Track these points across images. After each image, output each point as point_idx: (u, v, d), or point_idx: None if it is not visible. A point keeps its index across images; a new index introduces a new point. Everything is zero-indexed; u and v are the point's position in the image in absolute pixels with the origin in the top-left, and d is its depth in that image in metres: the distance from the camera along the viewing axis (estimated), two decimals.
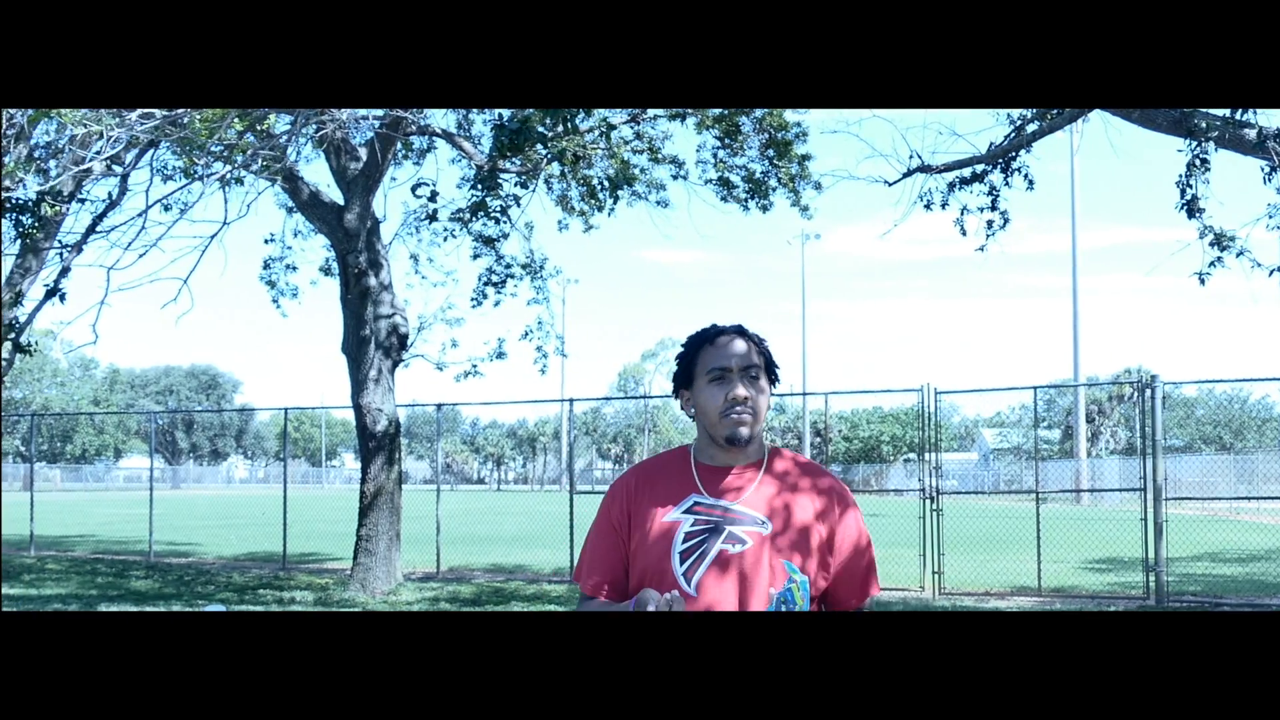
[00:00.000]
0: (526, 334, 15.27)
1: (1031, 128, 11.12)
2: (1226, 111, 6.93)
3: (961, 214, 11.61)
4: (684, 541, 2.49)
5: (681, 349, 2.66)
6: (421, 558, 16.96)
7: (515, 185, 13.11)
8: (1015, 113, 11.42)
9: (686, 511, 2.52)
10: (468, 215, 11.37)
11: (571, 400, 16.56)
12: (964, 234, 11.77)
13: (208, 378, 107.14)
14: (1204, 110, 7.11)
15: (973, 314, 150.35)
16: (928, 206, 11.61)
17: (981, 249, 11.81)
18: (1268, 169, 6.99)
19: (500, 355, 15.17)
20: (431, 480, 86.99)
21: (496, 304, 15.49)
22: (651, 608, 2.26)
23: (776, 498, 2.54)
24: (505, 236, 15.30)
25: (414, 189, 10.36)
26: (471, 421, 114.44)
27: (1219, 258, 7.14)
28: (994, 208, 11.59)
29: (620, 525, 2.58)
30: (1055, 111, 10.71)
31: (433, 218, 11.81)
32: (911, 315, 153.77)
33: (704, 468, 2.59)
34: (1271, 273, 6.56)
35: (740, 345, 2.59)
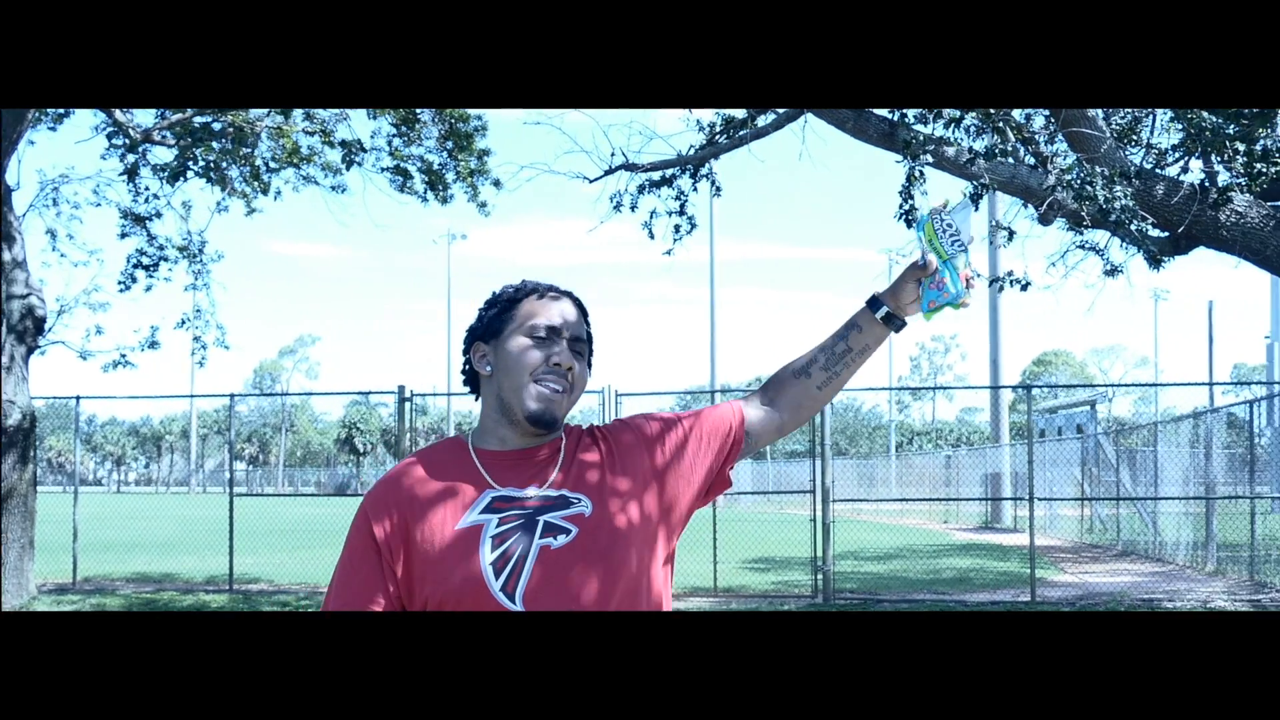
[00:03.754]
0: (183, 322, 14.08)
1: (722, 139, 11.32)
2: (933, 130, 7.25)
3: (651, 217, 11.67)
4: (493, 548, 1.95)
5: (494, 297, 2.14)
6: (50, 568, 15.27)
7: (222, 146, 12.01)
8: (706, 120, 11.63)
9: (486, 511, 1.98)
10: (173, 168, 10.23)
11: (233, 395, 15.45)
12: (652, 237, 11.85)
13: None
14: (913, 127, 7.40)
15: (614, 320, 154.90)
16: (617, 208, 11.61)
17: (669, 253, 11.92)
18: (971, 191, 7.35)
19: (153, 345, 13.88)
20: (43, 482, 79.93)
21: (148, 289, 14.23)
22: None
23: (590, 469, 2.06)
24: (159, 215, 14.09)
25: (110, 135, 9.19)
26: (88, 418, 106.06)
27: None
28: (682, 212, 11.73)
29: (390, 546, 1.98)
30: (746, 116, 10.94)
31: (133, 173, 10.57)
32: None
33: (490, 455, 2.05)
34: (991, 282, 6.88)
35: (573, 311, 2.11)
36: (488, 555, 1.95)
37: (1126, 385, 63.47)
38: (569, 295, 2.14)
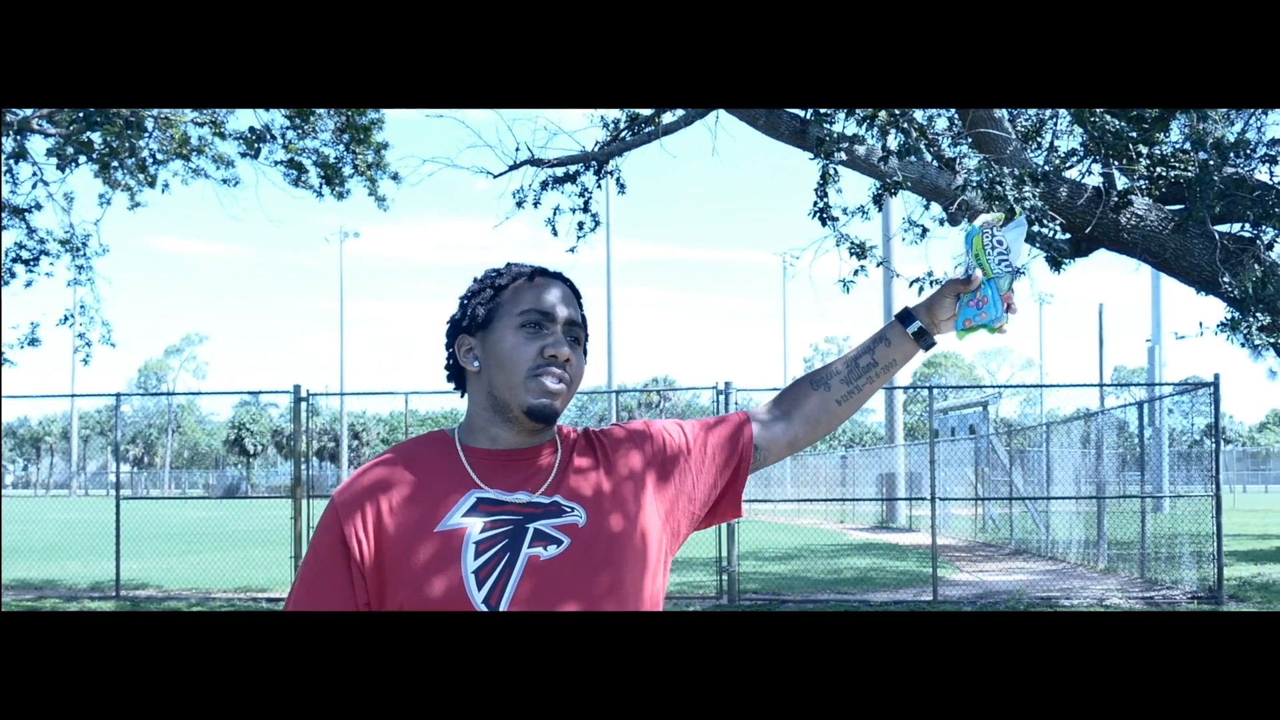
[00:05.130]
0: (66, 319, 13.53)
1: (624, 135, 11.22)
2: (844, 128, 7.25)
3: (554, 214, 11.56)
4: (476, 555, 1.78)
5: (478, 284, 1.97)
6: None
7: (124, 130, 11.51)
8: (610, 117, 11.54)
9: (470, 514, 1.81)
10: (71, 152, 9.72)
11: (119, 395, 14.91)
12: (555, 234, 11.73)
13: None
14: (824, 124, 7.38)
15: None
16: (520, 205, 11.47)
17: (573, 250, 11.81)
18: (878, 188, 7.37)
19: (34, 342, 13.30)
20: None
21: (28, 284, 13.71)
22: None
23: (586, 476, 1.90)
24: (39, 207, 13.55)
25: None
26: None
27: (861, 266, 7.42)
28: (586, 209, 11.63)
29: (360, 546, 1.81)
30: (653, 113, 10.87)
31: (20, 156, 10.04)
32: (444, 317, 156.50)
33: (479, 454, 1.88)
34: (912, 283, 6.89)
35: (565, 294, 1.94)
36: (470, 563, 1.79)
37: (1026, 386, 64.95)
38: (559, 276, 1.98)
